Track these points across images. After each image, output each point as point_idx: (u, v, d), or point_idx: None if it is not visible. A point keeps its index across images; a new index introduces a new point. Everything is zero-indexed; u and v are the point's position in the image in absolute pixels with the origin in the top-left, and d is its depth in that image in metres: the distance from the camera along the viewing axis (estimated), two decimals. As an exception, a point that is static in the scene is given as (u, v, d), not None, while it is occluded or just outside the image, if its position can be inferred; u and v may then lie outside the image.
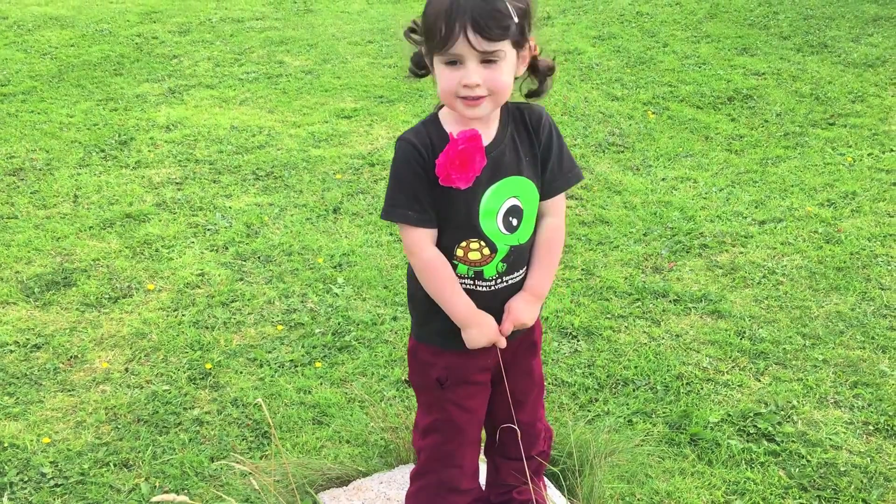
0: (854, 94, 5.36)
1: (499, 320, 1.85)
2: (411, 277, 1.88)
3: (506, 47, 1.65)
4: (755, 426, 2.68)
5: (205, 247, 3.71)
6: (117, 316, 3.25)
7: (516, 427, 1.99)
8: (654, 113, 5.15)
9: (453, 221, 1.77)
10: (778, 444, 2.61)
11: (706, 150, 4.67)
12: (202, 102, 5.31)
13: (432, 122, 1.79)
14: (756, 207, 4.05)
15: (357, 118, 5.08)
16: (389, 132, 4.88)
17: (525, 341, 1.97)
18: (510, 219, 1.80)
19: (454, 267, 1.80)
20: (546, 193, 1.84)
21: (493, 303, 1.83)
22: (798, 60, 5.95)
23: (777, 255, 3.66)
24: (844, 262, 3.58)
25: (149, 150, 4.63)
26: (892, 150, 4.59)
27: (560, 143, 1.84)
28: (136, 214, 3.96)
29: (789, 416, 2.73)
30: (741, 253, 3.67)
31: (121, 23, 6.89)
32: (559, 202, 1.86)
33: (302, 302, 3.33)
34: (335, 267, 3.56)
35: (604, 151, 4.65)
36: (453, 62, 1.66)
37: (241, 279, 3.48)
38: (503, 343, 1.85)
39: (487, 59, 1.65)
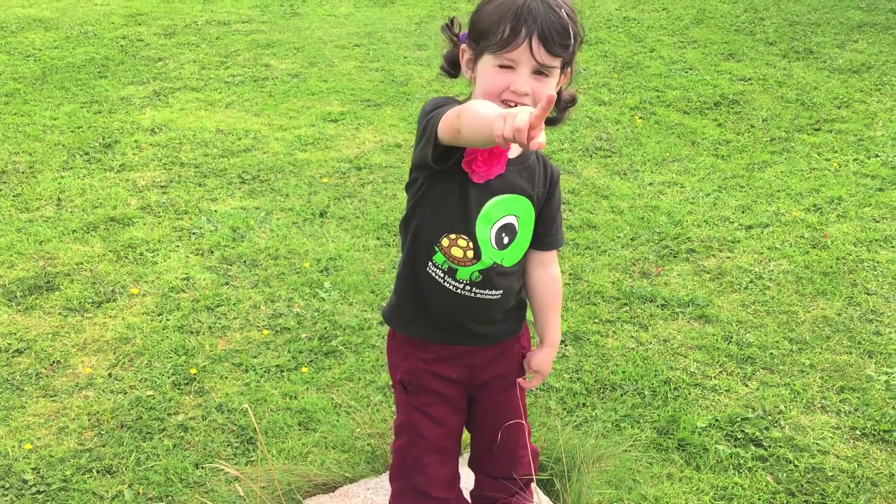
0: (839, 100, 5.38)
1: (453, 323, 1.83)
2: (402, 256, 1.86)
3: (558, 65, 1.65)
4: (743, 431, 2.68)
5: (190, 251, 3.68)
6: (101, 320, 3.22)
7: (497, 450, 1.98)
8: (641, 118, 5.15)
9: (452, 211, 1.75)
10: (765, 450, 2.61)
11: (693, 155, 4.68)
12: (187, 105, 5.28)
13: None
14: (743, 212, 4.05)
15: (344, 122, 5.06)
16: (376, 136, 4.87)
17: (496, 376, 1.94)
18: (503, 235, 1.80)
19: (433, 253, 1.78)
20: (549, 245, 1.89)
21: (454, 304, 1.80)
22: (784, 66, 5.98)
23: (764, 259, 3.66)
24: (830, 267, 3.59)
25: (133, 153, 4.60)
26: (877, 156, 4.62)
27: (560, 202, 1.90)
28: (121, 218, 3.92)
29: (777, 421, 2.73)
30: (728, 258, 3.67)
31: (105, 25, 6.84)
32: (555, 253, 1.93)
33: (288, 306, 3.31)
34: (322, 271, 3.54)
35: (591, 156, 4.65)
36: (506, 66, 1.63)
37: (227, 283, 3.45)
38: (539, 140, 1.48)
39: (540, 72, 1.64)
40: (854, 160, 4.58)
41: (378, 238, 3.79)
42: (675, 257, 3.67)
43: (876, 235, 3.83)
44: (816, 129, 4.99)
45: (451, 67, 1.79)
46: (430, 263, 1.79)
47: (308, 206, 4.07)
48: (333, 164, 4.51)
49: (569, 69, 1.72)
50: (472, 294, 1.81)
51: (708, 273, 3.56)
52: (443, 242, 1.77)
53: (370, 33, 6.74)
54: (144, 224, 3.88)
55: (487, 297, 1.82)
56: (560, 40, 1.61)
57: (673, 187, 4.31)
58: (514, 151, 1.77)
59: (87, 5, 7.43)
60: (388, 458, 2.45)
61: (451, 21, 1.77)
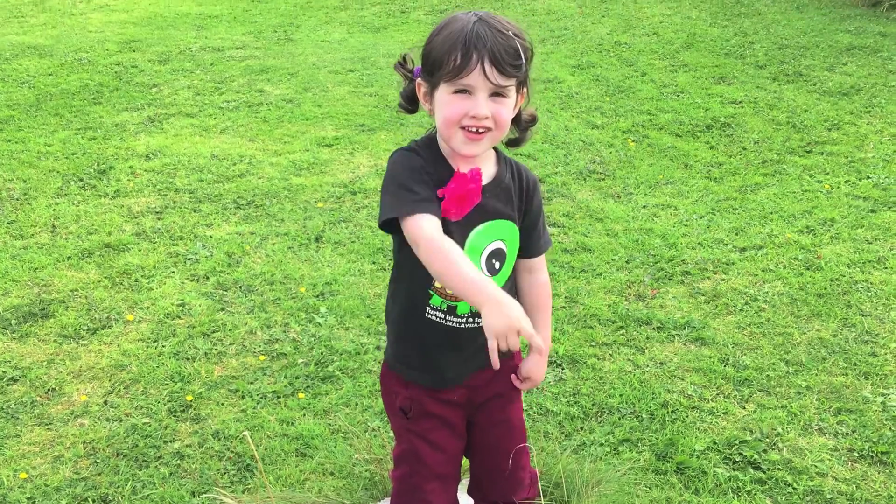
0: (830, 122, 5.43)
1: (461, 358, 1.84)
2: (389, 298, 1.87)
3: (513, 85, 1.67)
4: (741, 454, 2.68)
5: (185, 276, 3.68)
6: (96, 347, 3.20)
7: (496, 472, 1.97)
8: (633, 141, 5.19)
9: None
10: (764, 472, 2.61)
11: (686, 178, 4.70)
12: (182, 131, 5.29)
13: (431, 148, 1.76)
14: (736, 234, 4.07)
15: (338, 146, 5.08)
16: (371, 160, 4.89)
17: (495, 395, 1.95)
18: (493, 261, 1.81)
19: (429, 297, 1.78)
20: (533, 252, 1.89)
21: (459, 340, 1.82)
22: (774, 89, 6.04)
23: (758, 281, 3.68)
24: (825, 289, 3.61)
25: (128, 179, 4.60)
26: (868, 178, 4.65)
27: (542, 206, 1.90)
28: (115, 244, 3.92)
29: (774, 444, 2.73)
30: (723, 280, 3.69)
31: (100, 52, 6.87)
32: (543, 259, 1.93)
33: (284, 332, 3.30)
34: (317, 296, 3.54)
35: (585, 179, 4.68)
36: (462, 91, 1.65)
37: (223, 309, 3.45)
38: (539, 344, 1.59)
39: (497, 94, 1.66)
40: (846, 182, 4.61)
41: (374, 262, 3.79)
42: (670, 279, 3.69)
43: (869, 257, 3.85)
44: (808, 151, 5.03)
45: (409, 103, 1.81)
46: (427, 308, 1.79)
47: (303, 231, 4.07)
48: (328, 188, 4.52)
49: (525, 88, 1.74)
50: (476, 324, 1.81)
51: (703, 295, 3.57)
52: (436, 284, 1.77)
53: (364, 58, 6.79)
54: (139, 250, 3.88)
55: None
56: (511, 60, 1.63)
57: (667, 210, 4.33)
58: (487, 176, 1.77)
59: (82, 32, 7.46)
60: (387, 484, 2.44)
61: (404, 58, 1.80)
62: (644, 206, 4.36)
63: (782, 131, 5.32)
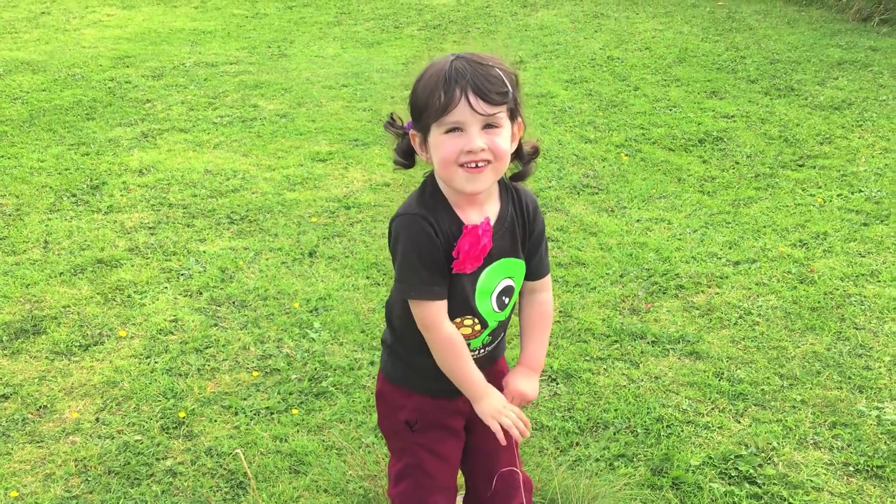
0: (822, 136, 5.46)
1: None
2: (404, 320, 1.85)
3: (504, 113, 1.66)
4: (736, 468, 2.67)
5: (178, 292, 3.66)
6: (88, 364, 3.18)
7: (494, 477, 1.97)
8: (627, 155, 5.20)
9: (450, 299, 1.78)
10: (759, 487, 2.60)
11: (679, 192, 4.71)
12: (175, 146, 5.29)
13: (439, 200, 1.75)
14: (730, 248, 4.08)
15: (332, 161, 5.08)
16: (364, 175, 4.89)
17: (495, 385, 1.96)
18: (503, 298, 1.84)
19: None
20: (536, 275, 1.90)
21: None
22: (766, 103, 6.07)
23: (752, 295, 3.68)
24: (818, 302, 3.61)
25: (121, 195, 4.59)
26: (860, 191, 4.67)
27: (544, 230, 1.91)
28: (108, 260, 3.90)
29: (770, 458, 2.72)
30: (717, 294, 3.69)
31: (93, 67, 6.87)
32: (548, 279, 1.94)
33: (278, 347, 3.29)
34: (311, 311, 3.52)
35: (578, 193, 4.68)
36: (454, 129, 1.65)
37: (216, 325, 3.43)
38: (524, 430, 1.85)
39: (489, 124, 1.65)
40: (838, 195, 4.63)
41: (367, 277, 3.78)
42: (664, 293, 3.69)
43: (862, 270, 3.86)
44: (800, 165, 5.05)
45: (405, 158, 1.80)
46: None
47: (297, 246, 4.06)
48: (322, 203, 4.51)
49: (519, 119, 1.73)
50: (486, 352, 1.89)
51: (697, 309, 3.57)
52: (455, 320, 1.82)
53: (357, 73, 6.80)
54: (132, 266, 3.87)
55: (494, 345, 1.92)
56: (495, 88, 1.63)
57: (660, 223, 4.34)
58: (492, 216, 1.78)
59: (75, 48, 7.46)
60: (381, 500, 2.42)
61: (392, 117, 1.81)
62: (638, 220, 4.37)
63: (774, 145, 5.34)
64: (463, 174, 1.67)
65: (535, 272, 1.89)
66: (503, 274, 1.81)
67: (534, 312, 1.92)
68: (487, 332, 1.86)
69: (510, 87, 1.66)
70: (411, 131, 1.74)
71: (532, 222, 1.85)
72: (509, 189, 1.83)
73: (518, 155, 1.78)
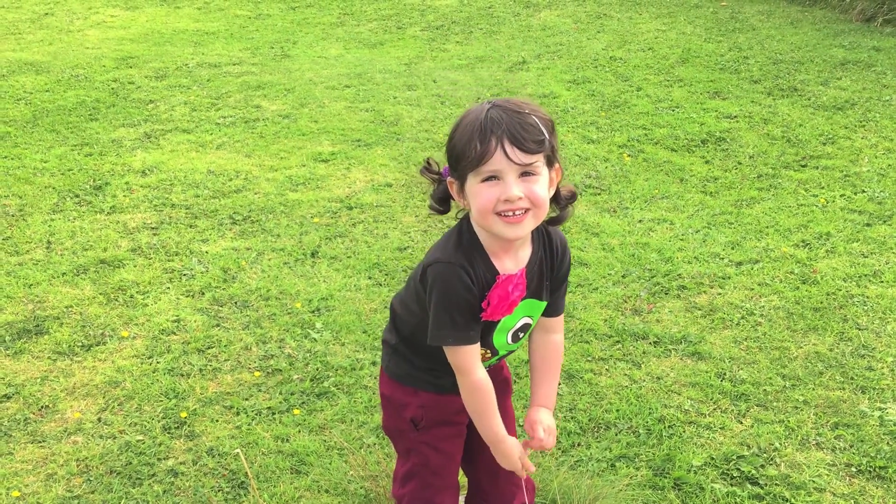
0: (825, 137, 5.45)
1: None
2: (415, 327, 1.87)
3: (541, 161, 1.66)
4: (739, 469, 2.67)
5: (180, 292, 3.67)
6: (90, 364, 3.19)
7: (498, 473, 1.99)
8: (629, 155, 5.20)
9: None
10: (762, 488, 2.60)
11: (681, 192, 4.71)
12: (178, 147, 5.30)
13: (476, 247, 1.76)
14: (732, 248, 4.07)
15: (334, 162, 5.08)
16: (367, 175, 4.89)
17: (496, 379, 1.97)
18: (519, 333, 1.88)
19: None
20: (553, 312, 1.92)
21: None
22: (769, 104, 6.06)
23: (755, 295, 3.67)
24: (821, 303, 3.60)
25: (124, 195, 4.60)
26: (863, 191, 4.66)
27: (569, 270, 1.93)
28: (111, 260, 3.91)
29: (772, 459, 2.72)
30: (719, 294, 3.68)
31: (97, 68, 6.88)
32: (561, 319, 1.96)
33: (279, 347, 3.29)
34: (313, 311, 3.53)
35: (581, 193, 4.68)
36: (490, 178, 1.64)
37: (218, 325, 3.44)
38: (531, 468, 1.94)
39: (526, 173, 1.65)
40: (841, 196, 4.62)
41: (370, 278, 3.79)
42: (666, 294, 3.68)
43: (865, 270, 3.85)
44: (803, 166, 5.04)
45: (441, 204, 1.81)
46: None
47: (299, 247, 4.07)
48: (324, 203, 4.52)
49: (557, 164, 1.72)
50: (491, 369, 1.95)
51: (699, 309, 3.57)
52: None
53: (360, 74, 6.81)
54: (135, 266, 3.87)
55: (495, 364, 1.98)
56: (531, 137, 1.63)
57: (662, 224, 4.33)
58: (523, 261, 1.79)
59: (79, 49, 7.48)
60: (383, 501, 2.42)
61: (428, 162, 1.81)
62: (640, 221, 4.36)
63: (777, 146, 5.33)
64: (501, 223, 1.67)
65: (552, 309, 1.91)
66: (524, 313, 1.84)
67: (548, 354, 1.95)
68: (496, 358, 1.92)
69: (546, 135, 1.65)
70: (448, 178, 1.75)
71: (560, 263, 1.87)
72: (541, 231, 1.84)
73: (555, 200, 1.78)
